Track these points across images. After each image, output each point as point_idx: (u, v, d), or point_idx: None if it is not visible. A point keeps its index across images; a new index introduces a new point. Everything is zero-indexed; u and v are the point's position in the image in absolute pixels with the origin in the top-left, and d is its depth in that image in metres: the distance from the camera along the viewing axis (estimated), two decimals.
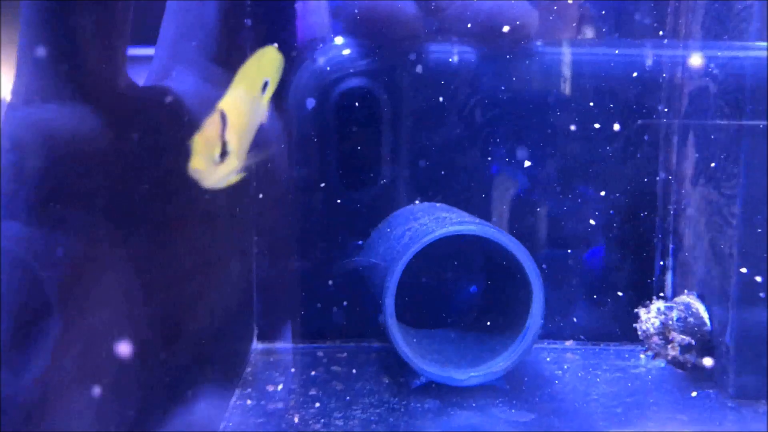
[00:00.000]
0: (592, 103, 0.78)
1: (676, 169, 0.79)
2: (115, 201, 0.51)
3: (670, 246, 0.80)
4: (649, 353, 0.71)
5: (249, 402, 0.62)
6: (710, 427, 0.59)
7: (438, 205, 0.78)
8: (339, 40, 0.78)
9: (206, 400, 0.55)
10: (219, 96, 0.65)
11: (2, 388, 0.37)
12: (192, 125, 0.68)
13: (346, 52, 0.77)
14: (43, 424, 0.38)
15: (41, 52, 0.48)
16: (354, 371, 0.71)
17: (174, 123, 0.62)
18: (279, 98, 0.76)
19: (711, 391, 0.67)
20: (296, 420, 0.58)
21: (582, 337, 0.82)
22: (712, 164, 0.70)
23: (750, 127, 0.65)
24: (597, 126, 0.78)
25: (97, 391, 0.42)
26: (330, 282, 0.79)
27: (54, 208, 0.45)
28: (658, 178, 0.81)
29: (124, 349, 0.44)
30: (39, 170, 0.45)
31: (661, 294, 0.80)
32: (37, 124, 0.48)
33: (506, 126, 0.79)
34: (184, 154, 0.48)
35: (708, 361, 0.68)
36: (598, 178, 0.81)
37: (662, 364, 0.73)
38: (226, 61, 0.69)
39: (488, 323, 0.76)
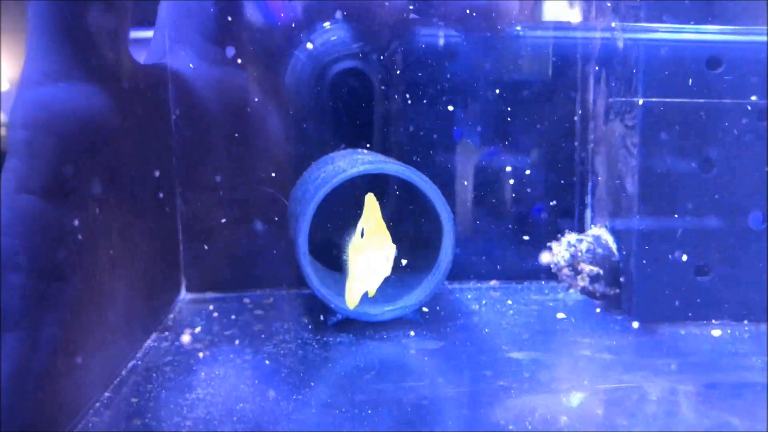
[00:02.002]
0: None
1: (593, 109, 0.81)
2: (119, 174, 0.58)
3: (589, 184, 0.82)
4: (564, 285, 0.74)
5: (164, 343, 0.63)
6: (609, 346, 0.62)
7: (360, 150, 0.79)
8: None
9: (115, 342, 0.56)
10: (217, 74, 0.74)
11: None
12: (191, 101, 0.73)
13: None
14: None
15: (50, 35, 0.51)
16: (276, 314, 0.72)
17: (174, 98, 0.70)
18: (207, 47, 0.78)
19: (619, 317, 0.70)
20: (206, 354, 0.59)
21: (505, 276, 0.85)
22: (619, 98, 0.72)
23: (646, 58, 0.67)
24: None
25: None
26: (257, 232, 0.80)
27: (65, 182, 0.49)
28: (575, 118, 0.83)
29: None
30: (51, 147, 0.49)
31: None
32: (48, 103, 0.51)
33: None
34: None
35: (614, 289, 0.71)
36: (521, 124, 0.83)
37: (579, 296, 0.75)
38: (223, 41, 0.74)
39: (410, 264, 0.78)
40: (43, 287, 0.45)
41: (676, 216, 0.67)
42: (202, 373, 0.56)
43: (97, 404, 0.50)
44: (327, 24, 0.79)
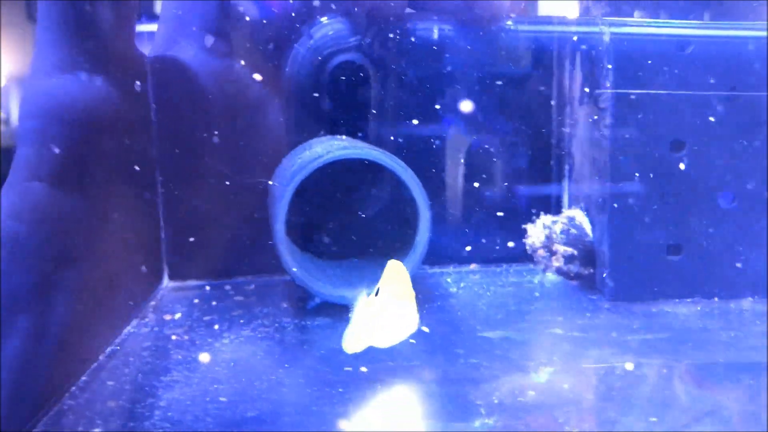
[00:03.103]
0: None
1: (569, 93, 0.81)
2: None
3: (566, 167, 0.83)
4: (540, 267, 0.75)
5: (144, 329, 0.64)
6: (581, 325, 0.63)
7: (338, 136, 0.80)
8: None
9: (93, 328, 0.57)
10: (220, 65, 0.75)
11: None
12: (196, 91, 0.75)
13: None
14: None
15: (58, 29, 0.53)
16: (257, 300, 0.73)
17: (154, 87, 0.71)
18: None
19: (593, 297, 0.71)
20: (185, 339, 0.60)
21: (486, 259, 0.86)
22: (592, 81, 0.73)
23: (617, 42, 0.68)
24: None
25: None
26: (239, 219, 0.81)
27: (71, 170, 0.51)
28: (552, 102, 0.84)
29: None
30: (60, 136, 0.51)
31: None
32: (57, 93, 0.53)
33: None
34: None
35: (589, 269, 0.72)
36: (499, 109, 0.83)
37: (556, 278, 0.76)
38: (226, 33, 0.75)
39: (389, 248, 0.78)
40: (51, 271, 0.47)
41: (647, 196, 0.68)
42: (179, 357, 0.57)
43: (73, 388, 0.50)
44: (325, 19, 0.79)
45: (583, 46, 0.75)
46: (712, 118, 0.67)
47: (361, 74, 0.80)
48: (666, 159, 0.68)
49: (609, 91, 0.67)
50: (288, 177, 0.69)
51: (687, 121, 0.67)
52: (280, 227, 0.67)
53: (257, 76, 0.77)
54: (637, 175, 0.68)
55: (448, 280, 0.79)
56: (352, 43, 0.79)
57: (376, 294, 0.55)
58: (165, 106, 0.78)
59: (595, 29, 0.70)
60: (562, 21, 0.82)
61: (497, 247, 0.86)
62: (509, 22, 0.80)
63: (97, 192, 0.58)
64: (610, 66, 0.67)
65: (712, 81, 0.67)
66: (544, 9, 0.90)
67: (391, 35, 0.79)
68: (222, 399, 0.49)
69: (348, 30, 0.79)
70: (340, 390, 0.50)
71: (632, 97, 0.67)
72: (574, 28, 0.79)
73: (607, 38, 0.67)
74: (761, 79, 0.67)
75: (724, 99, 0.67)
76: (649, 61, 0.66)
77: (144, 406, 0.47)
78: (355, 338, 0.57)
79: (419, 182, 0.69)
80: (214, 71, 0.76)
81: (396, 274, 0.55)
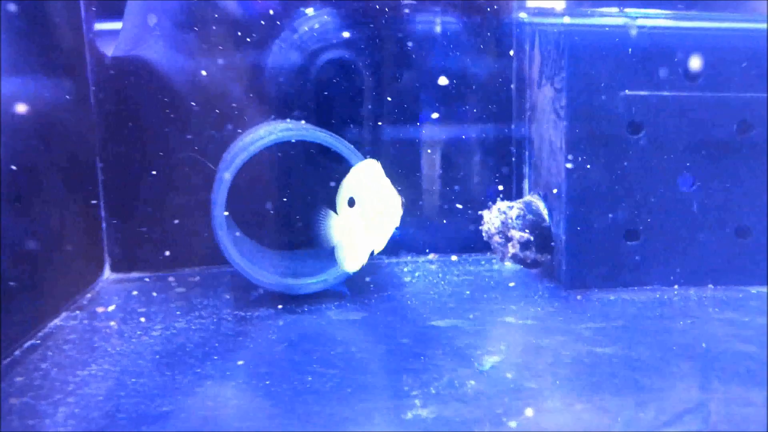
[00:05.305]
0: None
1: (528, 76, 0.79)
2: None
3: (526, 153, 0.81)
4: (498, 255, 0.72)
5: (71, 322, 0.60)
6: (535, 313, 0.60)
7: (288, 120, 0.77)
8: None
9: (7, 322, 0.53)
10: (189, 63, 0.73)
11: None
12: (166, 91, 0.73)
13: None
14: None
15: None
16: (199, 291, 0.69)
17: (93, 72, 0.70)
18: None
19: (551, 284, 0.68)
20: (113, 331, 0.57)
21: (444, 249, 0.83)
22: (549, 62, 0.70)
23: (571, 17, 0.65)
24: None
25: None
26: (184, 208, 0.77)
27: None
28: (512, 86, 0.81)
29: None
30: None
31: None
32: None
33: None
34: None
35: (546, 256, 0.70)
36: (458, 96, 0.81)
37: (515, 267, 0.74)
38: (195, 30, 0.72)
39: None
40: None
41: (604, 180, 0.66)
42: (103, 350, 0.53)
43: None
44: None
45: (542, 27, 0.72)
46: (670, 97, 0.65)
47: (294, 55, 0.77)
48: (623, 141, 0.65)
49: (564, 63, 0.64)
50: (228, 161, 0.66)
51: (645, 101, 0.65)
52: (219, 213, 0.63)
53: (181, 58, 0.73)
54: (593, 157, 0.66)
55: (405, 270, 0.76)
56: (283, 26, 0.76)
57: (351, 205, 0.58)
58: (107, 97, 0.74)
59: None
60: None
61: (456, 236, 0.83)
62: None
63: (26, 182, 0.54)
64: (564, 41, 0.64)
65: (669, 66, 0.64)
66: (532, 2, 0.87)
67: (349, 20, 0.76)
68: (138, 393, 0.45)
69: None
70: (267, 383, 0.46)
71: (587, 72, 0.64)
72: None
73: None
74: (719, 67, 0.65)
75: (684, 76, 0.65)
76: (606, 38, 0.64)
77: (50, 402, 0.43)
78: (353, 255, 0.58)
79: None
80: (177, 69, 0.73)
81: (364, 175, 0.57)
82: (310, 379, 0.47)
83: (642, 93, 0.65)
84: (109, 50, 0.73)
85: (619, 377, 0.47)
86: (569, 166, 0.66)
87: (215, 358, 0.51)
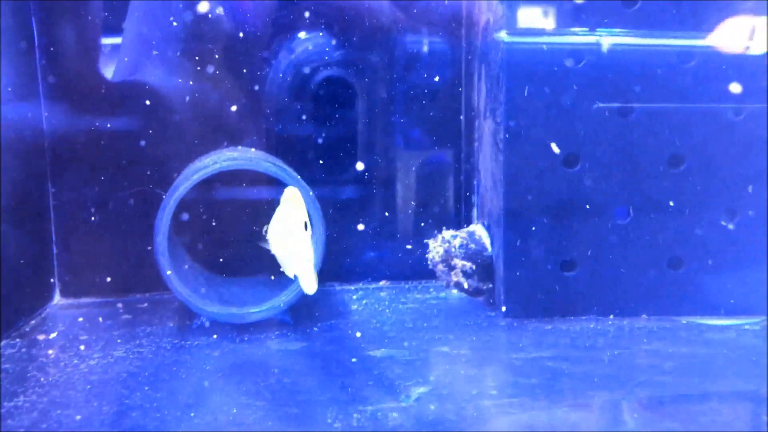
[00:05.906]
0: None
1: (477, 107, 0.81)
2: None
3: (475, 182, 0.83)
4: (443, 282, 0.74)
5: (8, 350, 0.60)
6: (471, 343, 0.61)
7: (239, 147, 0.78)
8: None
9: None
10: (187, 87, 0.76)
11: None
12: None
13: None
14: None
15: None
16: (144, 319, 0.70)
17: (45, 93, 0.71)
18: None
19: (492, 314, 0.70)
20: (48, 361, 0.57)
21: (396, 276, 0.84)
22: (491, 94, 0.72)
23: (510, 54, 0.67)
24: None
25: None
26: (134, 233, 0.78)
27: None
28: (461, 117, 0.83)
29: None
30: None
31: None
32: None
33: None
34: None
35: (488, 284, 0.71)
36: (408, 124, 0.82)
37: (461, 295, 0.75)
38: (192, 53, 0.75)
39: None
40: None
41: (541, 211, 0.68)
42: (35, 380, 0.53)
43: None
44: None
45: (488, 57, 0.75)
46: (606, 130, 0.67)
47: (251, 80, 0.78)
48: (560, 174, 0.67)
49: (503, 96, 0.66)
50: (172, 189, 0.67)
51: (581, 135, 0.67)
52: (161, 240, 0.64)
53: (136, 78, 0.74)
54: (530, 189, 0.67)
55: (354, 297, 0.77)
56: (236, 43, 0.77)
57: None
58: (59, 123, 0.75)
59: (497, 35, 0.69)
60: (467, 28, 0.82)
61: (407, 264, 0.84)
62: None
63: None
64: (502, 72, 0.66)
65: (607, 94, 0.67)
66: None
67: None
68: (61, 425, 0.45)
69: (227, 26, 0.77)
70: (191, 414, 0.47)
71: (525, 110, 0.66)
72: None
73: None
74: (659, 90, 0.67)
75: (616, 112, 0.67)
76: (543, 74, 0.66)
77: None
78: (293, 267, 0.59)
79: (313, 196, 0.67)
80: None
81: (286, 203, 0.58)
82: (234, 411, 0.48)
83: (579, 127, 0.67)
84: (64, 75, 0.74)
85: (536, 409, 0.48)
86: (506, 197, 0.68)
87: (146, 388, 0.52)
